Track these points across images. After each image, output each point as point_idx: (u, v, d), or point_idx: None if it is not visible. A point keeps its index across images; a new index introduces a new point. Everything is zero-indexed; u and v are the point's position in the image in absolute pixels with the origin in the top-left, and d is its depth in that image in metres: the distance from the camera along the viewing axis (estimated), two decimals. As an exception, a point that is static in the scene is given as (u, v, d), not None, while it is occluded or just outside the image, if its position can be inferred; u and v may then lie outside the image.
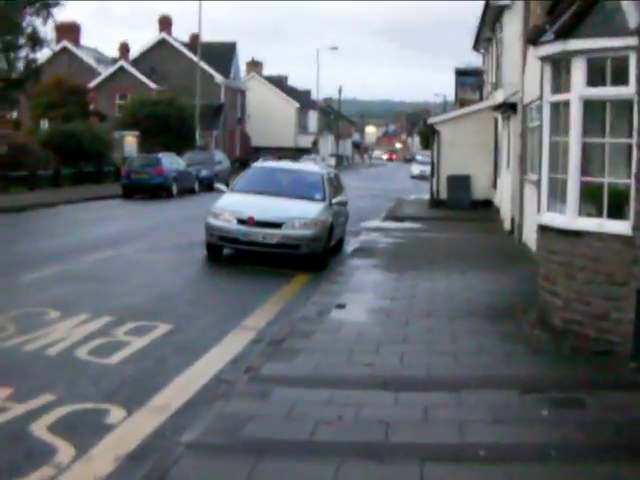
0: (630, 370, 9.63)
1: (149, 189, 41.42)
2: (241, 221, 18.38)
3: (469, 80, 50.36)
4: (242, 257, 19.08)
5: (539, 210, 17.96)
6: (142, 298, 14.32)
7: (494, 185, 36.81)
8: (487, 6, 33.30)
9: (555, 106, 11.71)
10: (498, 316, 12.87)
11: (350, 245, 23.31)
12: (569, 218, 11.05)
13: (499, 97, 32.56)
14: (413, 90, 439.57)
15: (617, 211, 10.64)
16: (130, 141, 60.35)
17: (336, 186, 22.06)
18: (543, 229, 11.97)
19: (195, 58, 67.59)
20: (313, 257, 18.56)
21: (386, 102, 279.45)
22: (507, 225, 27.67)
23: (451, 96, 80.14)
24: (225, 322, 12.78)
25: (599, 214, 10.82)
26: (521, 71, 23.46)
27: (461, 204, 37.35)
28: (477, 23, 38.06)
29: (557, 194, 11.59)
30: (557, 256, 11.35)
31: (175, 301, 14.28)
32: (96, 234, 23.79)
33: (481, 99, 44.05)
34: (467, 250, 22.40)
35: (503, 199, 30.98)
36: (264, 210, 18.64)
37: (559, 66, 11.48)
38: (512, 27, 28.63)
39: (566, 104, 11.23)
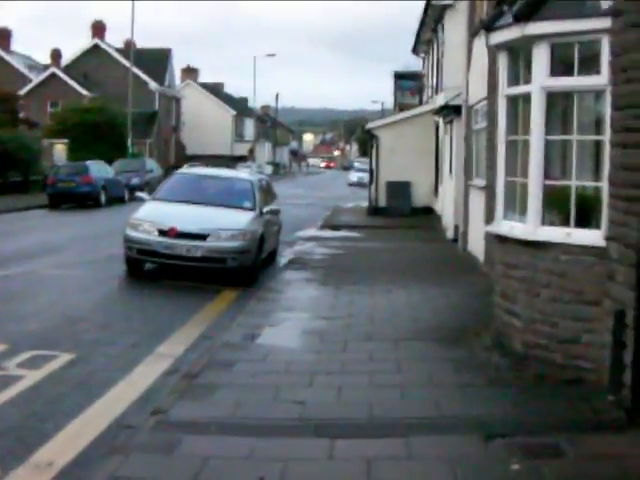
0: (608, 405, 8.14)
1: (76, 198, 39.74)
2: (162, 232, 16.72)
3: (408, 84, 48.98)
4: (165, 272, 17.43)
5: (488, 218, 16.56)
6: (45, 322, 12.57)
7: (435, 192, 35.52)
8: (428, 6, 32.07)
9: (512, 100, 10.30)
10: (448, 339, 11.34)
11: (284, 256, 21.78)
12: (530, 227, 9.59)
13: (440, 100, 31.33)
14: (351, 98, 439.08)
15: (586, 219, 9.22)
16: (59, 149, 58.25)
17: (267, 194, 20.48)
18: (499, 240, 10.49)
19: (129, 64, 65.66)
20: (242, 271, 16.95)
21: (324, 110, 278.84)
22: (450, 233, 26.35)
23: (389, 103, 79.15)
24: (137, 349, 11.15)
25: (566, 223, 9.38)
26: (465, 72, 22.12)
27: (401, 211, 36.05)
28: (417, 25, 36.76)
29: (516, 200, 10.14)
30: (517, 271, 9.88)
31: (83, 325, 12.51)
32: (9, 248, 21.84)
33: (421, 104, 42.80)
34: (409, 261, 20.94)
35: (445, 206, 29.68)
36: (187, 220, 17.00)
37: (517, 54, 10.05)
38: (454, 27, 27.38)
39: (526, 97, 9.80)
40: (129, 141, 60.85)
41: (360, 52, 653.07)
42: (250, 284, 16.76)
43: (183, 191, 18.75)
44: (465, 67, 22.08)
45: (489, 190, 17.44)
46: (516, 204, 10.12)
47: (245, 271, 16.98)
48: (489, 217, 17.35)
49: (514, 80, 10.17)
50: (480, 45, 19.20)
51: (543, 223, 9.51)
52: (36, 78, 75.75)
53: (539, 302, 9.48)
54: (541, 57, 9.39)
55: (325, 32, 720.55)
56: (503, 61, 10.37)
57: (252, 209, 18.16)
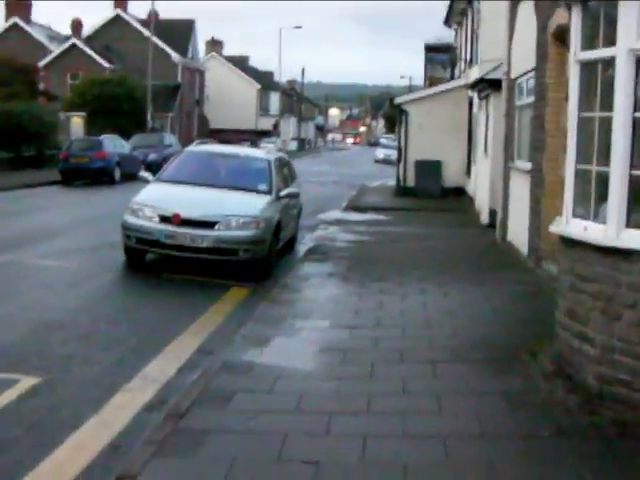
0: None
1: (90, 174, 38.02)
2: (164, 219, 14.69)
3: (440, 57, 46.59)
4: (168, 264, 15.45)
5: (534, 207, 14.50)
6: (16, 331, 10.53)
7: (467, 171, 33.39)
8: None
9: (588, 67, 8.15)
10: (497, 360, 9.26)
11: (304, 244, 19.79)
12: (611, 230, 7.48)
13: (475, 74, 29.28)
14: (378, 74, 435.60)
15: (688, 222, 7.14)
16: (77, 123, 56.29)
17: (287, 175, 18.41)
18: (568, 243, 8.36)
19: (153, 37, 63.60)
20: (255, 264, 14.94)
21: (351, 85, 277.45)
22: (485, 218, 24.27)
23: (417, 79, 77.01)
24: (119, 369, 9.16)
25: (658, 225, 7.30)
26: (506, 42, 19.94)
27: (430, 192, 34.00)
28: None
29: (590, 193, 8.01)
30: (591, 284, 7.76)
31: (60, 335, 10.44)
32: (5, 231, 19.90)
33: (453, 78, 40.54)
34: (442, 251, 18.81)
35: (479, 188, 27.60)
36: (193, 205, 14.98)
37: (597, 9, 7.92)
38: (492, -8, 25.15)
39: (607, 63, 7.70)
40: (149, 115, 58.88)
41: (388, 27, 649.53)
42: (264, 279, 14.80)
43: (191, 171, 16.72)
44: (507, 36, 19.90)
45: (535, 175, 15.39)
46: (591, 199, 7.99)
47: (258, 264, 14.97)
48: (535, 206, 15.29)
49: (591, 42, 8.04)
50: (526, 10, 17.10)
51: (628, 225, 7.42)
52: (56, 49, 73.90)
53: (620, 326, 7.39)
54: (630, 12, 7.28)
55: (352, 6, 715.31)
56: (577, 18, 8.24)
57: (268, 192, 16.12)
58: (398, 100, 36.28)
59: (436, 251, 18.66)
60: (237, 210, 14.96)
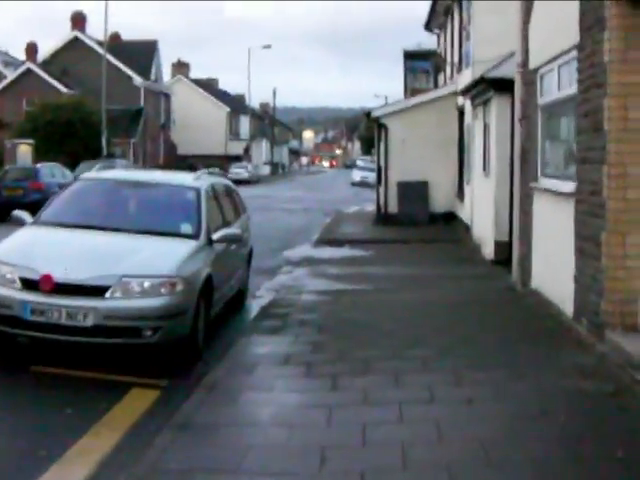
0: None
1: (25, 208, 32.61)
2: (29, 284, 9.59)
3: (421, 65, 41.59)
4: (46, 349, 10.27)
5: (587, 246, 9.69)
6: None
7: (459, 194, 28.48)
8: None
9: None
10: None
11: (258, 297, 14.90)
12: None
13: (466, 78, 24.59)
14: (352, 96, 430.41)
15: None
16: (24, 151, 51.40)
17: (227, 208, 13.32)
18: None
19: (113, 59, 58.61)
20: (171, 348, 9.86)
21: (325, 109, 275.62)
22: (489, 252, 19.37)
23: (393, 97, 72.63)
24: None
25: None
26: (520, 24, 15.08)
27: (416, 219, 29.12)
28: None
29: None
30: None
31: None
32: None
33: (437, 87, 35.73)
34: (446, 307, 13.56)
35: (477, 214, 22.71)
36: (75, 261, 9.79)
37: None
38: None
39: None
40: (103, 140, 53.90)
41: (358, 50, 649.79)
42: (184, 371, 9.73)
43: (83, 209, 11.64)
44: (521, 18, 15.03)
45: (585, 199, 10.50)
46: None
47: (176, 348, 9.86)
48: (589, 245, 10.34)
49: None
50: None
51: None
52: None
53: None
54: None
55: (319, 31, 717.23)
56: None
57: (194, 236, 10.97)
58: (376, 113, 31.24)
59: (438, 308, 13.50)
60: (141, 266, 9.81)
